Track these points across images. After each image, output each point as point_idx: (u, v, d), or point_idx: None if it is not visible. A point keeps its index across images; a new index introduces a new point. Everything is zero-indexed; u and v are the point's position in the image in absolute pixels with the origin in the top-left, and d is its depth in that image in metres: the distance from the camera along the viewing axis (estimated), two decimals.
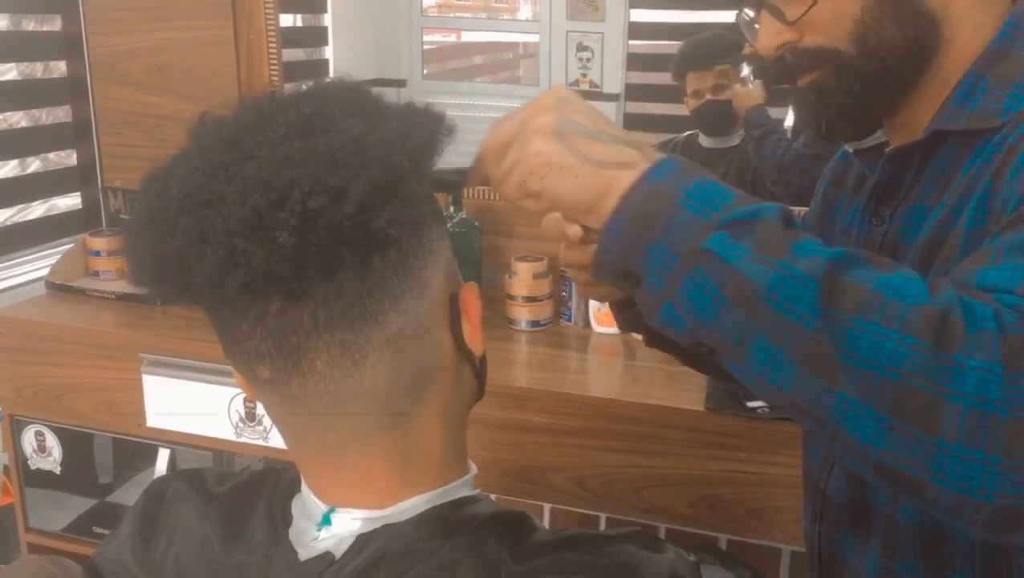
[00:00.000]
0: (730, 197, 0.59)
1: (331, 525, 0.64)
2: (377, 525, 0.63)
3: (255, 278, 0.54)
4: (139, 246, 0.59)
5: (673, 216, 0.58)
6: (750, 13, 0.85)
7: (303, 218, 0.54)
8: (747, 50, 1.81)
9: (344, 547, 0.63)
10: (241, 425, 1.50)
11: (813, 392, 0.54)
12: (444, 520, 0.63)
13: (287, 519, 0.67)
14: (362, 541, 0.62)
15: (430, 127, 0.62)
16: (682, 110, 2.03)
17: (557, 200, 0.63)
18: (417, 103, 0.65)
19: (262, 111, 0.60)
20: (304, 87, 0.66)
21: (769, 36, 0.80)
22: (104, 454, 1.67)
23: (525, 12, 2.49)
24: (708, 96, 1.98)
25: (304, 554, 0.64)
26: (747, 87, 1.93)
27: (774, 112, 1.89)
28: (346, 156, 0.56)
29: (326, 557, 0.63)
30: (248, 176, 0.55)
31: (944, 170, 0.77)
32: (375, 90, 0.65)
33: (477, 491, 0.68)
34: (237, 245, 0.54)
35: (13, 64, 2.11)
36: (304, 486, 0.67)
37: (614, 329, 1.52)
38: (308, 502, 0.66)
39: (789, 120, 1.87)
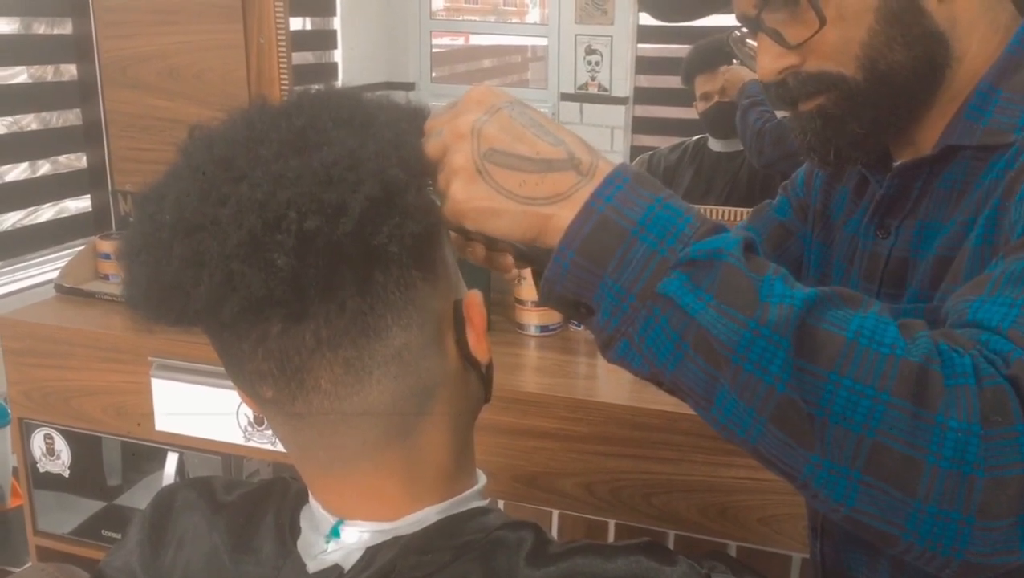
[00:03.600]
0: (686, 224, 0.54)
1: (340, 537, 0.64)
2: (387, 537, 0.63)
3: (254, 302, 0.53)
4: (133, 271, 0.57)
5: (627, 251, 0.54)
6: (744, 30, 0.82)
7: (301, 239, 0.52)
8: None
9: (353, 559, 0.62)
10: (250, 429, 1.50)
11: (783, 450, 0.52)
12: (454, 532, 0.63)
13: (295, 530, 0.67)
14: (371, 554, 0.62)
15: (416, 127, 0.61)
16: (691, 113, 2.01)
17: (500, 237, 0.60)
18: (395, 97, 0.63)
19: (252, 125, 0.59)
20: (295, 95, 0.64)
21: (770, 59, 0.77)
22: (113, 457, 1.66)
23: (534, 15, 2.49)
24: (717, 99, 1.97)
25: (313, 566, 0.63)
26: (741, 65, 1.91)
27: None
28: (341, 172, 0.54)
29: (335, 570, 0.62)
30: (243, 197, 0.53)
31: (956, 185, 0.75)
32: (376, 94, 0.64)
33: (487, 502, 0.68)
34: (235, 269, 0.52)
35: (24, 67, 2.11)
36: (312, 498, 0.67)
37: None
38: (316, 514, 0.66)
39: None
